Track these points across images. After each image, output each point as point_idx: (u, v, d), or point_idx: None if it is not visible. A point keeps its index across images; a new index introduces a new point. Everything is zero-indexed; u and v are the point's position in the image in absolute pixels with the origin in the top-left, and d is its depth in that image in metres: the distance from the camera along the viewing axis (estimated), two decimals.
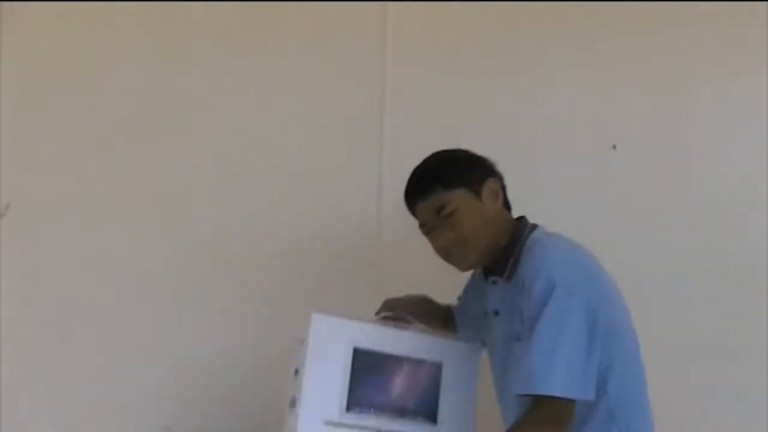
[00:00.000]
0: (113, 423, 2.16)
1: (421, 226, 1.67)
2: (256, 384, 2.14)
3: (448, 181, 1.61)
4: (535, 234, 1.62)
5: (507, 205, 1.71)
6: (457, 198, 1.61)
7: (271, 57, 2.30)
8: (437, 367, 1.68)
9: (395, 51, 2.27)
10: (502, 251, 1.62)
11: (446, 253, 1.64)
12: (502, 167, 1.72)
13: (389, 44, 2.27)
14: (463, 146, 1.71)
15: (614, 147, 2.21)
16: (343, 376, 1.63)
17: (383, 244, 2.22)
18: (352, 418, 1.61)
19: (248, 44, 2.31)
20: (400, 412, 1.64)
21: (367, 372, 1.64)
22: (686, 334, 2.14)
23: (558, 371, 1.43)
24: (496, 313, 1.64)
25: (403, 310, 1.80)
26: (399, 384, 1.66)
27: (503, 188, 1.69)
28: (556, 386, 1.42)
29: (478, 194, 1.62)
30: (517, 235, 1.63)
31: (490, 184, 1.65)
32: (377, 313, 1.82)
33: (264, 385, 2.03)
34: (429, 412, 1.66)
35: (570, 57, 2.26)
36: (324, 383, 1.61)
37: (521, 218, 1.68)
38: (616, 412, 1.53)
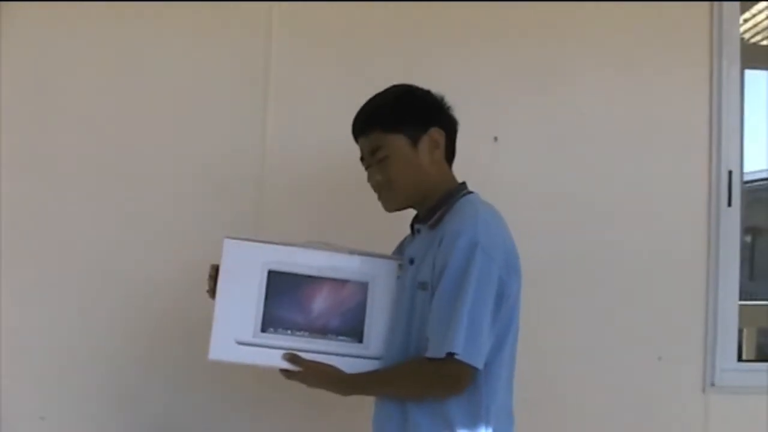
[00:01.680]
0: None
1: (361, 159, 1.72)
2: None
3: (388, 124, 1.63)
4: (471, 197, 1.66)
5: (452, 153, 1.72)
6: (392, 144, 1.63)
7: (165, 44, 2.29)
8: (362, 287, 1.68)
9: (280, 45, 2.27)
10: (435, 203, 1.64)
11: (376, 192, 1.70)
12: None
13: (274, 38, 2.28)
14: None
15: (496, 139, 2.27)
16: (258, 297, 1.65)
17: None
18: (266, 338, 1.65)
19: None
20: (321, 331, 1.66)
21: (283, 294, 1.66)
22: (563, 330, 2.25)
23: (470, 336, 1.47)
24: (411, 261, 1.65)
25: None
26: (320, 304, 1.67)
27: (452, 135, 1.70)
28: (462, 349, 1.46)
29: (415, 142, 1.64)
30: (452, 191, 1.66)
31: (432, 133, 1.65)
32: None
33: None
34: (354, 330, 1.66)
35: (452, 49, 2.28)
36: (237, 305, 1.65)
37: (463, 183, 1.70)
38: (489, 391, 1.55)
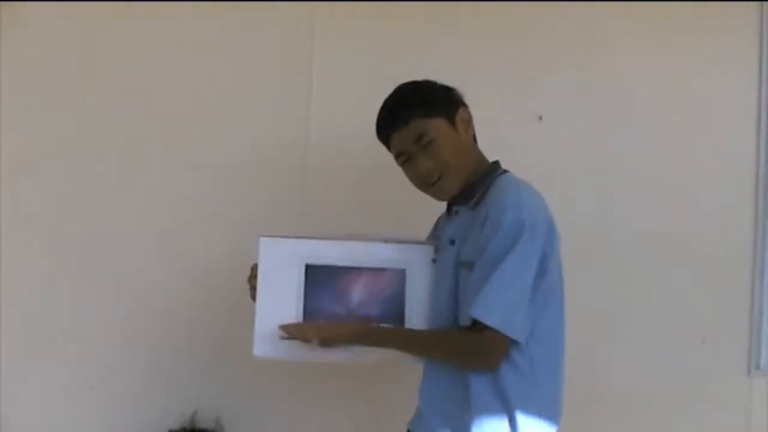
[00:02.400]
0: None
1: (398, 156, 1.68)
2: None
3: (424, 110, 1.63)
4: (508, 175, 1.66)
5: (474, 138, 1.73)
6: (435, 126, 1.62)
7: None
8: (400, 273, 1.71)
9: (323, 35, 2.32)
10: (473, 182, 1.64)
11: (425, 182, 1.66)
12: None
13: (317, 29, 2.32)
14: None
15: (540, 118, 2.27)
16: (297, 292, 1.69)
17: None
18: None
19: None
20: (362, 320, 1.68)
21: (322, 286, 1.69)
22: (607, 311, 2.26)
23: (506, 307, 1.48)
24: (452, 242, 1.66)
25: None
26: (359, 294, 1.70)
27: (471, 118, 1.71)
28: (498, 320, 1.47)
29: (453, 123, 1.64)
30: (489, 171, 1.66)
31: (461, 113, 1.67)
32: None
33: None
34: (396, 317, 1.69)
35: (496, 29, 2.29)
36: (278, 301, 1.68)
37: (496, 161, 1.71)
38: (532, 367, 1.56)
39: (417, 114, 1.62)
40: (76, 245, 2.30)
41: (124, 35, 2.33)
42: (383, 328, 1.64)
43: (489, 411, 1.53)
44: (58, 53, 2.33)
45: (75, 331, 2.29)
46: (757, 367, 2.27)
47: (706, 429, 2.28)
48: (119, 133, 2.32)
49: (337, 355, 1.66)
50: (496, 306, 1.48)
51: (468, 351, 1.54)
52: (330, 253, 1.71)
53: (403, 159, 1.67)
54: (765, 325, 2.27)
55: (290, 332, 1.63)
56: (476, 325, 1.49)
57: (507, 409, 1.52)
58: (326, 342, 1.61)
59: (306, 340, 1.61)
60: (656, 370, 2.27)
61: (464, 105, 1.70)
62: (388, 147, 1.71)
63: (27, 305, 2.29)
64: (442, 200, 1.71)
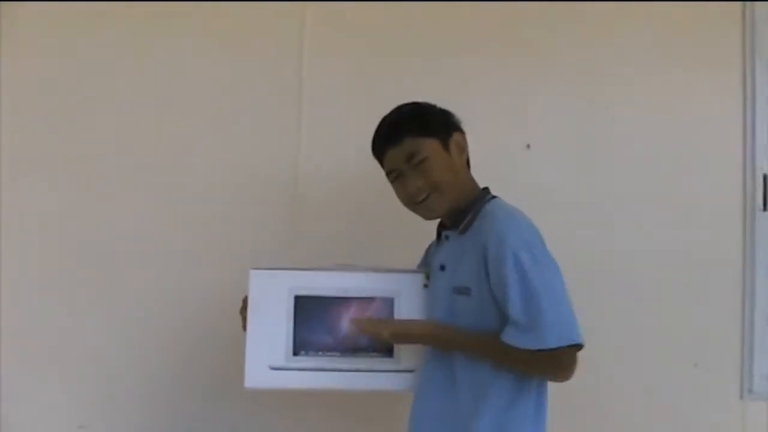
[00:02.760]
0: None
1: (389, 173, 1.71)
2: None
3: (419, 130, 1.65)
4: (497, 201, 1.67)
5: (468, 164, 1.74)
6: (428, 147, 1.64)
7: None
8: (389, 302, 1.72)
9: (312, 51, 2.30)
10: (463, 208, 1.66)
11: (413, 201, 1.67)
12: None
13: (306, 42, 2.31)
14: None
15: (528, 146, 2.26)
16: (287, 323, 1.71)
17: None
18: (300, 361, 1.71)
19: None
20: (351, 350, 1.70)
21: (312, 317, 1.72)
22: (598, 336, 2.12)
23: (571, 320, 1.51)
24: (442, 267, 1.68)
25: None
26: (348, 323, 1.71)
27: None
28: (558, 339, 1.48)
29: (446, 146, 1.67)
30: (478, 197, 1.68)
31: (456, 137, 1.69)
32: None
33: None
34: (385, 346, 1.70)
35: (484, 56, 2.28)
36: (268, 332, 1.71)
37: (486, 188, 1.72)
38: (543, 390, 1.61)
39: (411, 133, 1.64)
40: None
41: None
42: (455, 329, 1.61)
43: None
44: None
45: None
46: (750, 391, 2.25)
47: None
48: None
49: (328, 384, 1.70)
50: (551, 329, 1.48)
51: (545, 369, 1.55)
52: (319, 283, 1.73)
53: (394, 176, 1.70)
54: (756, 348, 2.25)
55: (361, 328, 1.66)
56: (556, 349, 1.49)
57: None
58: (397, 338, 1.64)
59: (377, 335, 1.64)
60: (648, 396, 2.25)
61: (461, 130, 1.72)
62: (382, 163, 1.73)
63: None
64: (429, 219, 1.72)
